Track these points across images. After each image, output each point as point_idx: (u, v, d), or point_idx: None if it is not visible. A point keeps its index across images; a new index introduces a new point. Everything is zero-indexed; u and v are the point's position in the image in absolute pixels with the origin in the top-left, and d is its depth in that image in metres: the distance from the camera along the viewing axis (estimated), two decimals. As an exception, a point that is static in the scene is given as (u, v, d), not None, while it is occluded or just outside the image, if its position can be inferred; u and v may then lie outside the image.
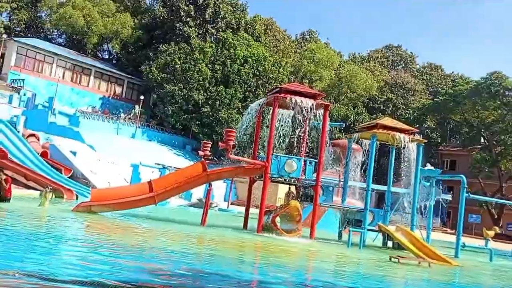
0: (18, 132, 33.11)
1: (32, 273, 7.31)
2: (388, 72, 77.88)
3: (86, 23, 58.13)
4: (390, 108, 66.50)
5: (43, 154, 32.32)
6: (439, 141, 66.66)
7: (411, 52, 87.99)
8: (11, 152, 29.13)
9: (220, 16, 58.72)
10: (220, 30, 58.19)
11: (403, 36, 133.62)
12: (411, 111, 66.82)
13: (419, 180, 22.44)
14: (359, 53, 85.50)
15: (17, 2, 59.09)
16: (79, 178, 32.16)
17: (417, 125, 48.46)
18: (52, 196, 19.60)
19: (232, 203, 41.13)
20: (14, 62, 49.02)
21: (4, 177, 19.38)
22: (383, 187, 24.77)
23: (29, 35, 59.60)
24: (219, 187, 41.95)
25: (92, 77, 55.44)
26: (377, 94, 68.63)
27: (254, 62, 53.82)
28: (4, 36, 51.97)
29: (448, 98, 60.31)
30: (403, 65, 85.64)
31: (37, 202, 19.86)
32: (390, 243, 22.16)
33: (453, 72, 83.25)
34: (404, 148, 22.09)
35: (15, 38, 51.43)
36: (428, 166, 27.12)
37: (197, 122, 51.52)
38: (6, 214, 16.14)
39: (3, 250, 9.48)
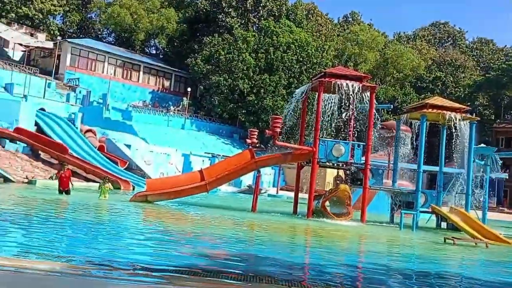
0: (76, 128, 34.73)
1: (95, 261, 7.80)
2: (436, 50, 75.53)
3: (133, 20, 59.72)
4: (439, 87, 64.62)
5: (100, 148, 33.79)
6: (493, 118, 64.30)
7: (459, 28, 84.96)
8: (71, 147, 30.69)
9: (261, 5, 58.76)
10: (262, 18, 58.25)
11: (450, 12, 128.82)
12: (461, 89, 64.73)
13: (472, 159, 21.99)
14: (404, 33, 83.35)
15: (69, 5, 61.44)
16: (134, 169, 33.41)
17: (469, 103, 47.05)
18: (109, 187, 20.50)
19: (281, 189, 41.51)
20: (69, 62, 51.10)
21: (66, 169, 20.60)
22: (434, 168, 24.38)
23: (81, 35, 61.88)
24: (267, 173, 42.40)
25: (141, 73, 57.02)
26: (425, 73, 66.80)
27: (297, 48, 53.60)
28: (59, 38, 54.22)
29: (502, 74, 58.01)
30: (451, 42, 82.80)
31: (96, 193, 20.90)
32: (444, 224, 21.87)
33: (506, 46, 79.77)
34: (455, 127, 21.67)
35: (69, 40, 53.61)
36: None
37: (243, 111, 52.03)
38: (69, 205, 17.15)
39: (69, 239, 10.16)
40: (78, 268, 6.99)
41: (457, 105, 22.77)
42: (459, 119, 21.37)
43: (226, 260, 9.34)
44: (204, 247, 10.90)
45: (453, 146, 22.64)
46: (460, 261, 13.54)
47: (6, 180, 23.79)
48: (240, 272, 8.26)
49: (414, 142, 23.98)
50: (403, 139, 24.72)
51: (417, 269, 10.94)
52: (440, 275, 10.39)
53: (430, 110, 21.61)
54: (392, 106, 45.23)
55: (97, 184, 25.81)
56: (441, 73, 66.56)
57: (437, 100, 22.92)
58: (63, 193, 19.69)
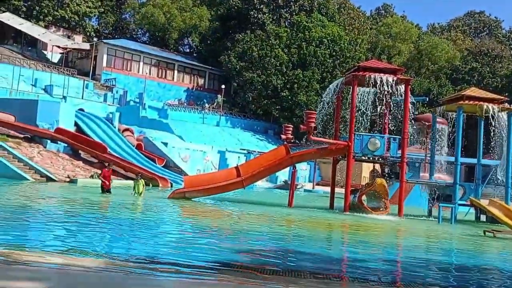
0: (115, 127, 35.54)
1: (136, 257, 8.05)
2: (471, 40, 73.71)
3: (167, 20, 60.61)
4: (475, 78, 63.03)
5: (138, 147, 34.49)
6: (533, 108, 62.28)
7: (495, 17, 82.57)
8: (110, 146, 31.45)
9: (293, 0, 58.68)
10: (294, 13, 58.13)
11: (486, 1, 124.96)
12: (498, 79, 63.03)
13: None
14: (438, 23, 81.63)
15: (103, 7, 62.85)
16: (172, 167, 33.98)
17: (506, 93, 45.70)
18: (143, 184, 20.72)
19: (317, 184, 41.49)
20: (105, 63, 52.28)
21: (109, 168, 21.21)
22: (472, 160, 24.02)
23: (116, 36, 63.22)
24: (303, 169, 42.43)
25: (176, 71, 57.83)
26: (461, 64, 65.33)
27: (330, 42, 53.30)
28: (95, 39, 55.57)
29: (541, 62, 56.09)
30: (487, 32, 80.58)
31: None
32: (483, 217, 21.56)
33: (543, 34, 77.07)
34: (493, 118, 21.32)
35: (105, 41, 54.92)
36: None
37: (277, 107, 52.13)
38: (110, 203, 17.69)
39: (110, 237, 10.48)
40: (119, 265, 7.20)
41: (494, 96, 22.42)
42: (497, 110, 21.01)
43: (264, 256, 9.50)
44: (241, 243, 11.08)
45: (491, 137, 22.25)
46: (501, 254, 13.39)
47: (49, 179, 24.59)
48: (278, 267, 8.44)
49: (450, 135, 23.67)
50: (439, 132, 24.39)
51: (457, 263, 10.91)
52: (481, 268, 10.34)
53: (466, 101, 21.33)
54: (427, 98, 44.58)
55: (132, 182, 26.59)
56: (477, 63, 64.93)
57: (474, 91, 22.59)
58: (106, 191, 20.08)
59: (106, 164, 22.25)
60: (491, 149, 23.66)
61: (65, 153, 29.14)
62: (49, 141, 29.16)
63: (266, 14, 57.07)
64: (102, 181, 20.37)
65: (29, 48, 53.86)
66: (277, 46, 52.39)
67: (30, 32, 51.85)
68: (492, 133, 22.06)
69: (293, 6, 58.74)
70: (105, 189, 20.18)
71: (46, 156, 27.59)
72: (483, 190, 21.87)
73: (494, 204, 19.22)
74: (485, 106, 21.01)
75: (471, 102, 21.29)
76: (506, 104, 22.10)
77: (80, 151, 29.93)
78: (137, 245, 9.47)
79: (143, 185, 20.49)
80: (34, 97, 36.06)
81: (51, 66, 49.26)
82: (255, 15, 56.79)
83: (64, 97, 39.67)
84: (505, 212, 18.29)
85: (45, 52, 54.49)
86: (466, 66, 64.92)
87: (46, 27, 54.55)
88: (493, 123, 21.51)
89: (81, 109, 36.52)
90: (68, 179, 25.38)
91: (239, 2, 57.97)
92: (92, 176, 26.79)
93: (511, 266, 11.17)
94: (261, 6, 57.13)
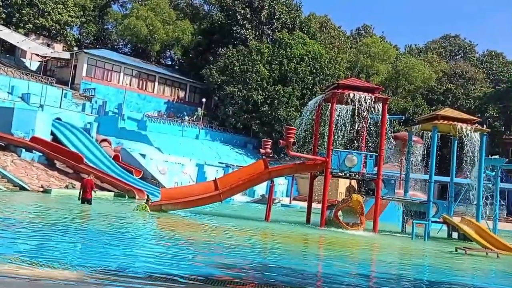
0: (92, 137, 35.19)
1: (110, 270, 8.02)
2: (447, 63, 75.51)
3: (149, 31, 60.51)
4: (449, 99, 64.56)
5: (115, 158, 34.15)
6: (503, 129, 64.13)
7: (470, 41, 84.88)
8: (87, 157, 31.12)
9: (275, 17, 59.33)
10: (276, 30, 58.78)
11: (461, 25, 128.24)
12: (472, 101, 64.76)
13: (483, 170, 22.14)
14: (415, 45, 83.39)
15: (85, 17, 62.45)
16: (149, 179, 33.76)
17: (479, 115, 47.01)
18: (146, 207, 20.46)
19: (294, 199, 41.67)
20: (85, 72, 51.78)
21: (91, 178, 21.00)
22: (446, 179, 24.54)
23: (97, 46, 62.80)
24: (280, 183, 42.59)
25: (156, 83, 57.69)
26: (436, 85, 66.87)
27: (310, 60, 54.00)
28: (76, 48, 55.08)
29: (511, 86, 57.95)
30: (462, 55, 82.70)
31: (109, 202, 21.08)
32: (455, 235, 22.00)
33: (515, 58, 79.29)
34: (466, 138, 21.90)
35: (86, 50, 54.29)
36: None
37: (257, 121, 52.38)
38: (85, 215, 17.47)
39: (84, 248, 10.39)
40: (92, 277, 7.19)
41: (467, 116, 23.02)
42: (469, 131, 21.58)
43: (240, 269, 9.55)
44: (217, 256, 11.09)
45: (464, 157, 22.84)
46: (471, 271, 13.69)
47: (22, 188, 24.19)
48: (254, 281, 8.53)
49: (425, 153, 24.20)
50: (414, 150, 24.90)
51: (429, 279, 11.13)
52: (452, 284, 10.59)
53: (441, 121, 21.85)
54: (403, 117, 45.41)
55: (111, 193, 26.44)
56: (451, 85, 66.56)
57: (448, 112, 23.17)
58: (86, 202, 19.57)
59: (87, 175, 22.10)
60: (464, 168, 24.23)
61: (40, 162, 28.71)
62: (23, 150, 28.72)
63: (249, 30, 57.59)
64: (87, 191, 19.75)
65: (7, 55, 53.02)
66: (259, 62, 52.84)
67: (9, 39, 51.09)
68: (464, 153, 22.64)
69: (275, 23, 59.41)
70: (86, 200, 19.65)
71: (20, 165, 27.15)
72: (455, 208, 22.36)
73: (465, 222, 19.66)
74: (458, 126, 21.55)
75: (445, 122, 21.82)
76: (479, 125, 22.74)
77: (55, 161, 29.54)
78: (110, 257, 9.42)
79: (145, 208, 20.12)
80: (10, 105, 35.44)
81: (29, 74, 48.54)
82: (238, 31, 57.25)
83: (41, 106, 39.09)
84: (476, 230, 18.74)
85: (23, 59, 53.76)
86: (441, 87, 66.45)
87: (25, 34, 53.82)
88: (465, 143, 22.10)
89: (59, 118, 36.03)
90: (41, 189, 24.94)
91: (222, 17, 58.43)
92: (67, 187, 26.46)
93: (481, 283, 11.47)
94: (244, 22, 57.65)
